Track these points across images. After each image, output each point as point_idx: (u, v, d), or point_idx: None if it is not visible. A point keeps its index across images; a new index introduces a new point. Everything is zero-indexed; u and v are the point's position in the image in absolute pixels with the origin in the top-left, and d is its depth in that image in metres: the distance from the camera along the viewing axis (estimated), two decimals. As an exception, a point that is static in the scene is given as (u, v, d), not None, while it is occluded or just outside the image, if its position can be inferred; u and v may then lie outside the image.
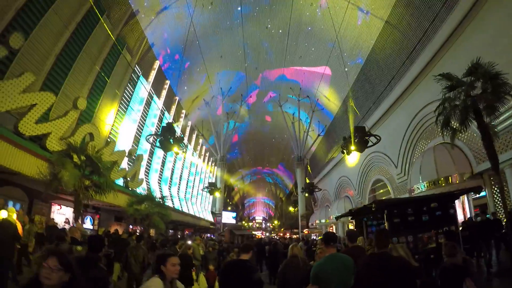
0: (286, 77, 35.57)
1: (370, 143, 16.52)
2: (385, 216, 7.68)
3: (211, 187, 37.40)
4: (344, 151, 17.32)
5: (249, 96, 39.54)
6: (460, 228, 9.41)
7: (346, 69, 23.19)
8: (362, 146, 16.29)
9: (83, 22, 15.82)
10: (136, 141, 23.54)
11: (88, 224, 18.24)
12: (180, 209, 32.62)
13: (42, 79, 13.76)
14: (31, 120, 11.71)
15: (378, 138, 16.14)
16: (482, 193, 13.83)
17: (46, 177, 10.62)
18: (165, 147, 17.71)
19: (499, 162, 8.81)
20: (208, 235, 40.95)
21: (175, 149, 17.59)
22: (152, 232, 21.26)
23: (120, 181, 18.86)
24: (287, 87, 36.44)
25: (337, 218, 14.17)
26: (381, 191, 23.50)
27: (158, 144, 18.06)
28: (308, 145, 39.70)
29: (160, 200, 17.54)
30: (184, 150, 18.38)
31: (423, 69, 17.12)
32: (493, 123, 9.40)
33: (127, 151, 19.30)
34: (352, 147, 16.34)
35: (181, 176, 36.06)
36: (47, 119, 12.78)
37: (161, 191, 28.63)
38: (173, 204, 30.66)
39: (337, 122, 32.34)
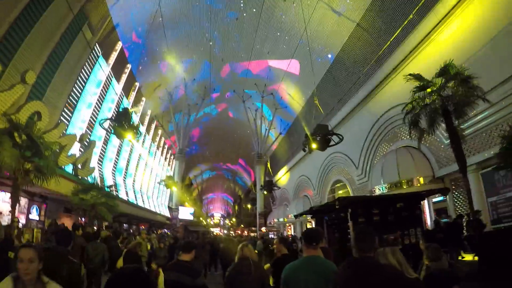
0: (252, 73, 35.08)
1: (332, 142, 16.36)
2: (349, 215, 7.31)
3: (168, 181, 36.22)
4: (305, 148, 17.06)
5: (212, 89, 38.65)
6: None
7: (313, 68, 23.03)
8: (324, 144, 16.07)
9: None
10: (91, 126, 22.04)
11: (34, 215, 16.73)
12: (135, 202, 31.22)
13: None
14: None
15: (341, 137, 16.01)
16: (440, 198, 14.11)
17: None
18: (119, 134, 16.63)
19: (467, 165, 8.78)
20: (165, 230, 39.72)
21: (129, 136, 16.52)
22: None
23: (69, 168, 17.53)
24: (252, 82, 35.97)
25: (296, 216, 13.85)
26: (341, 192, 23.67)
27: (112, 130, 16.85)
28: (269, 142, 39.50)
29: (109, 189, 16.27)
30: (139, 138, 17.26)
31: (389, 73, 17.30)
32: (461, 126, 9.41)
33: (78, 136, 17.92)
34: (314, 145, 16.09)
35: (137, 167, 34.53)
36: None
37: (115, 182, 27.18)
38: (127, 196, 29.26)
39: (300, 121, 32.33)
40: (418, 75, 9.61)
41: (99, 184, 16.07)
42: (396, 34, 16.38)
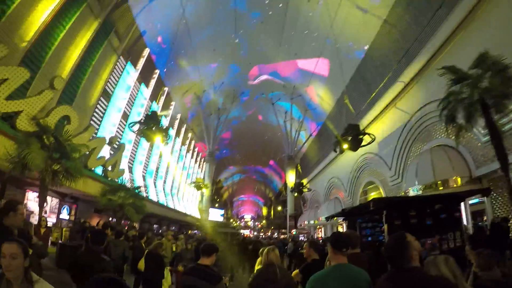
0: (280, 75, 34.75)
1: (364, 143, 15.68)
2: (384, 217, 6.73)
3: (198, 183, 36.44)
4: (337, 149, 16.46)
5: (241, 92, 38.62)
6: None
7: (342, 67, 22.37)
8: (355, 145, 15.43)
9: (68, 2, 14.84)
10: (121, 130, 22.48)
11: (64, 214, 17.18)
12: (165, 203, 31.58)
13: (20, 56, 12.83)
14: (1, 95, 10.69)
15: (373, 137, 15.32)
16: (476, 200, 13.16)
17: (14, 159, 9.59)
18: (148, 136, 16.69)
19: (508, 163, 8.01)
20: (196, 231, 39.97)
21: (158, 139, 16.54)
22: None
23: (99, 170, 17.86)
24: (281, 84, 35.62)
25: (327, 218, 13.29)
26: (373, 194, 22.76)
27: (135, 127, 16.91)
28: (300, 144, 38.90)
29: (137, 190, 16.33)
30: (168, 141, 17.24)
31: (421, 68, 16.39)
32: (500, 121, 8.62)
33: (107, 139, 18.22)
34: (345, 146, 15.47)
35: (167, 170, 34.97)
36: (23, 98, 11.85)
37: (146, 184, 27.59)
38: (157, 198, 29.64)
39: (330, 121, 31.55)
40: (453, 67, 8.88)
41: (129, 185, 16.09)
42: (425, 27, 15.51)
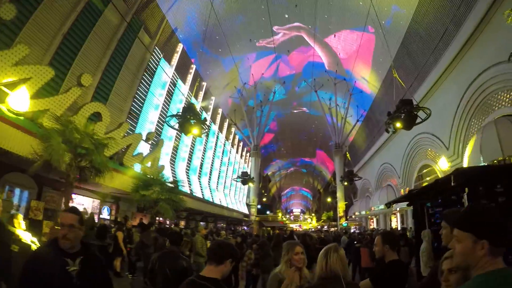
0: (321, 61, 33.15)
1: (419, 119, 13.91)
2: (465, 196, 5.19)
3: (244, 177, 35.79)
4: (389, 129, 14.81)
5: (282, 82, 37.47)
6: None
7: (386, 42, 20.53)
8: (410, 122, 13.66)
9: (92, 3, 14.90)
10: (159, 127, 22.35)
11: (105, 214, 17.22)
12: (211, 200, 31.35)
13: (48, 58, 12.87)
14: (25, 95, 10.55)
15: (429, 112, 13.51)
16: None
17: (37, 157, 9.35)
18: (185, 129, 16.08)
19: None
20: (245, 227, 39.67)
21: (195, 131, 15.89)
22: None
23: (138, 167, 17.71)
24: (322, 70, 33.99)
25: (388, 204, 11.69)
26: (428, 178, 20.74)
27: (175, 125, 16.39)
28: (347, 131, 36.99)
29: (170, 183, 15.74)
30: (206, 132, 16.52)
31: (473, 33, 14.36)
32: None
33: (144, 135, 17.98)
34: (398, 124, 13.79)
35: (212, 165, 34.76)
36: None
37: (189, 181, 27.44)
38: (202, 194, 29.45)
39: (377, 105, 29.55)
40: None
41: (163, 178, 15.57)
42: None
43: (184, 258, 3.98)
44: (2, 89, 10.29)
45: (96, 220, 15.89)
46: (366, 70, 29.15)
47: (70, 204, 14.67)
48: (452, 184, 5.34)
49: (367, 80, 30.07)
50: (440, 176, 18.31)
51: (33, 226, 11.42)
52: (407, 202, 10.14)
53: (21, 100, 10.39)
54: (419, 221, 8.20)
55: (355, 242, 13.28)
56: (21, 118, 10.35)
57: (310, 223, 68.46)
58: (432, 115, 14.01)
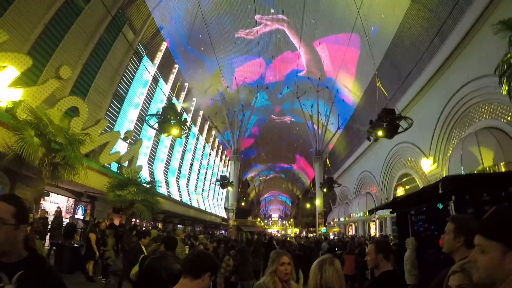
0: (305, 67, 33.24)
1: (400, 129, 13.98)
2: (451, 204, 5.02)
3: (223, 181, 35.33)
4: (371, 137, 14.83)
5: (265, 87, 37.37)
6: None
7: (371, 51, 20.69)
8: (392, 131, 13.72)
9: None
10: (139, 126, 21.76)
11: (79, 215, 16.52)
12: (188, 202, 30.78)
13: (28, 47, 12.26)
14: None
15: (411, 121, 13.60)
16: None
17: (9, 150, 8.78)
18: (165, 129, 15.64)
19: None
20: (223, 231, 39.18)
21: (174, 131, 15.44)
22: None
23: (114, 167, 17.12)
24: (305, 78, 34.10)
25: (371, 211, 11.64)
26: (408, 186, 20.93)
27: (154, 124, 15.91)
28: (327, 138, 37.18)
29: (148, 185, 15.19)
30: (187, 133, 16.09)
31: (457, 46, 14.62)
32: None
33: (122, 133, 17.40)
34: (380, 133, 13.83)
35: (191, 168, 34.19)
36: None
37: (167, 183, 26.85)
38: (180, 196, 28.88)
39: (359, 114, 29.81)
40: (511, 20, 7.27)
41: (139, 178, 15.02)
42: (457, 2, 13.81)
43: (179, 262, 3.72)
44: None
45: (69, 220, 15.23)
46: (349, 79, 29.37)
47: (42, 202, 14.04)
48: (440, 191, 5.23)
49: (350, 89, 30.30)
50: (419, 185, 18.51)
51: None
52: (389, 210, 10.14)
53: None
54: (402, 229, 8.12)
55: (336, 249, 13.18)
56: None
57: (289, 229, 68.37)
58: (414, 125, 14.13)
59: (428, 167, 17.40)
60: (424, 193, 6.51)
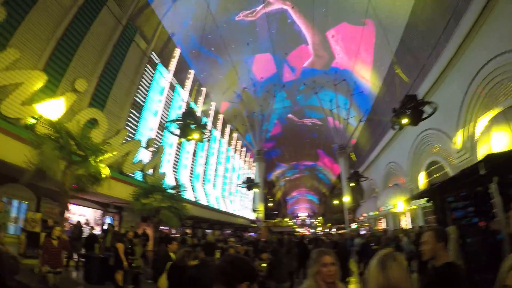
0: (320, 62, 32.82)
1: (425, 115, 13.44)
2: (493, 187, 4.62)
3: (249, 183, 35.22)
4: (395, 126, 14.36)
5: (282, 85, 37.12)
6: None
7: (387, 38, 20.15)
8: (416, 118, 13.21)
9: (86, 7, 14.53)
10: (160, 134, 21.99)
11: (106, 225, 16.80)
12: (216, 207, 30.90)
13: (43, 63, 12.52)
14: (16, 101, 10.23)
15: (435, 106, 13.07)
16: None
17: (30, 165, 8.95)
18: (185, 134, 15.65)
19: None
20: (252, 234, 39.00)
21: (195, 135, 15.42)
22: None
23: (139, 175, 17.31)
24: (322, 72, 33.65)
25: (408, 200, 11.10)
26: (437, 174, 20.21)
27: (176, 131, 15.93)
28: (350, 132, 36.53)
29: (173, 191, 15.13)
30: (208, 137, 16.06)
31: (474, 23, 14.00)
32: None
33: (143, 142, 17.59)
34: (404, 120, 13.35)
35: (215, 172, 34.33)
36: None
37: (193, 188, 27.02)
38: (208, 201, 29.02)
39: (379, 104, 29.11)
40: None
41: (163, 185, 15.04)
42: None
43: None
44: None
45: (100, 231, 15.49)
46: (366, 69, 28.79)
47: (70, 215, 14.35)
48: (481, 173, 4.85)
49: (368, 79, 29.69)
50: (449, 172, 17.81)
51: (30, 238, 11.07)
52: (424, 199, 9.63)
53: (13, 106, 10.07)
54: (441, 218, 7.65)
55: (372, 244, 12.55)
56: (13, 125, 10.04)
57: (318, 227, 67.60)
58: (437, 110, 13.59)
59: (456, 152, 16.74)
60: (463, 176, 6.13)
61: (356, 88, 32.20)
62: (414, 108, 13.02)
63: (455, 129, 16.52)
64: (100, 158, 9.74)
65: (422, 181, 21.97)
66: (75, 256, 12.38)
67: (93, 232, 13.16)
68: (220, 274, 1.84)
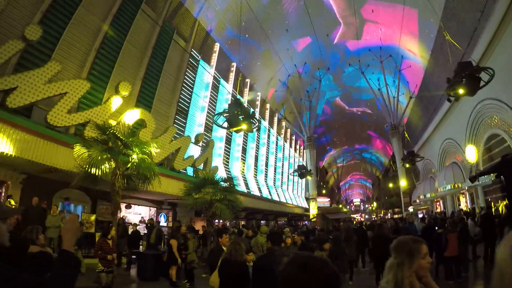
0: (363, 40, 31.70)
1: (482, 83, 12.50)
2: None
3: (301, 170, 35.00)
4: (451, 98, 13.55)
5: (326, 68, 36.40)
6: None
7: (428, 9, 18.99)
8: (473, 86, 12.30)
9: (121, 14, 15.20)
10: (208, 129, 22.60)
11: (162, 222, 17.73)
12: (269, 197, 31.21)
13: (86, 72, 13.34)
14: (62, 110, 11.07)
15: (492, 72, 12.09)
16: None
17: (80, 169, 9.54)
18: (234, 125, 15.83)
19: None
20: (306, 222, 38.89)
21: (244, 126, 15.52)
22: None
23: (190, 171, 17.97)
24: (366, 50, 32.49)
25: (472, 179, 10.39)
26: (497, 150, 18.81)
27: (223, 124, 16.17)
28: (401, 110, 34.93)
29: (226, 183, 15.16)
30: (257, 127, 16.10)
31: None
32: None
33: (193, 138, 18.19)
34: (461, 90, 12.53)
35: (267, 162, 34.62)
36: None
37: (245, 180, 27.49)
38: (260, 192, 29.40)
39: (430, 77, 27.55)
40: None
41: (215, 178, 15.14)
42: None
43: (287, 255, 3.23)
44: (40, 107, 10.88)
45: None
46: (412, 41, 27.38)
47: (126, 214, 15.21)
48: None
49: (415, 52, 28.23)
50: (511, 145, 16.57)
51: (86, 238, 11.96)
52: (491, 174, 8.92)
53: (59, 115, 10.90)
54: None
55: (436, 228, 11.62)
56: (61, 133, 10.87)
57: (372, 213, 65.85)
58: (494, 78, 12.63)
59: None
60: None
61: (403, 63, 30.77)
62: (470, 76, 12.19)
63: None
64: (147, 156, 10.15)
65: (482, 157, 20.58)
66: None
67: (137, 229, 13.58)
68: (287, 282, 1.31)
